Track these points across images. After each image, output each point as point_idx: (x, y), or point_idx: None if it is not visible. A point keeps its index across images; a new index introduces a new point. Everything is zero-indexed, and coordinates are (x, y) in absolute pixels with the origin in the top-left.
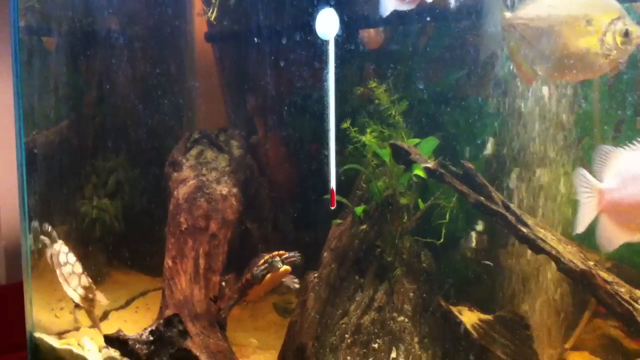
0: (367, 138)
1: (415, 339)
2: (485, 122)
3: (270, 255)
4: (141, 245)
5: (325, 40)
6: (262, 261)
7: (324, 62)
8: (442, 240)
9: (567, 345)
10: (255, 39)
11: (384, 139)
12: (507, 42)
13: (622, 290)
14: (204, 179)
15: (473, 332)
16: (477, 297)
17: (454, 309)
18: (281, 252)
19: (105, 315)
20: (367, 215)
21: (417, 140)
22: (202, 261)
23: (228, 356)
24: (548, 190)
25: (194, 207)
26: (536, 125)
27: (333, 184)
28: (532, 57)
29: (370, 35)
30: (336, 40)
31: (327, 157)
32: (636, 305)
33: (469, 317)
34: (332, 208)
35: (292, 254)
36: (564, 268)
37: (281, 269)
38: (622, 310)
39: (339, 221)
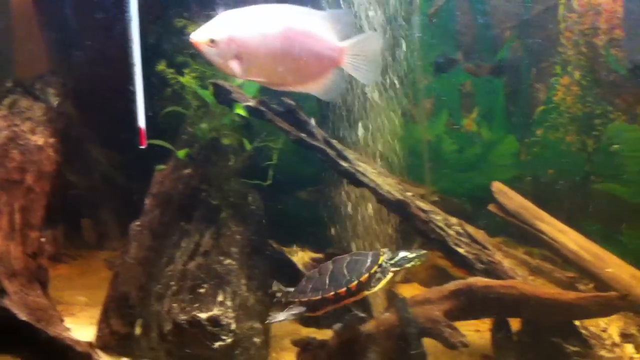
0: (187, 79)
1: (243, 281)
2: None
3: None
4: None
5: None
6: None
7: None
8: (269, 181)
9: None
10: None
11: (206, 79)
12: None
13: (438, 218)
14: (17, 130)
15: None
16: (311, 238)
17: (286, 250)
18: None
19: None
20: (191, 158)
21: (241, 81)
22: (17, 216)
23: (49, 312)
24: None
25: (6, 159)
26: None
27: (142, 123)
28: None
29: None
30: None
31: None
32: (449, 231)
33: (301, 257)
34: (142, 147)
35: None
36: (381, 198)
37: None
38: (435, 236)
39: (162, 167)
